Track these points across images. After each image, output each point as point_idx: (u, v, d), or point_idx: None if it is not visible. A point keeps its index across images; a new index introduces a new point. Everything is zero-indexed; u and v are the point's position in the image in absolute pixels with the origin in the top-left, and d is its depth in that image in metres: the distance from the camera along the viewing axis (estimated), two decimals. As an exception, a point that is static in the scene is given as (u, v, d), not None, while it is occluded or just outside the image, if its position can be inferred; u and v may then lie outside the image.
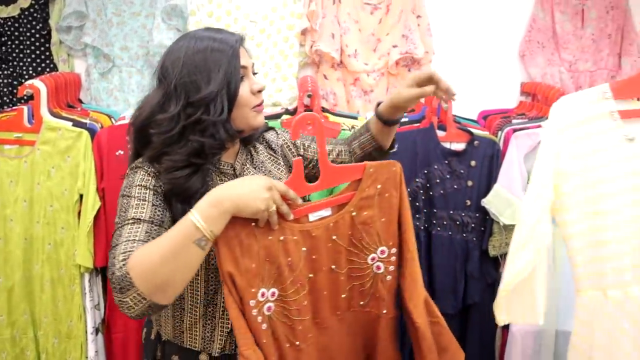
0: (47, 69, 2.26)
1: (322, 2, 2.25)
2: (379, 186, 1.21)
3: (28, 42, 2.24)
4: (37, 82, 1.89)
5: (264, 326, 1.13)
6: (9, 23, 2.23)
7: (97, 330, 1.99)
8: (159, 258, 0.94)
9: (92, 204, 1.88)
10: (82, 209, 1.90)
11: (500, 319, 1.34)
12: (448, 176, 1.99)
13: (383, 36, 2.27)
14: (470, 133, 2.00)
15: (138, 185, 1.09)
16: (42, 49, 2.26)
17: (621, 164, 1.18)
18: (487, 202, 1.96)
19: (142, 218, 1.05)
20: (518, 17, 2.38)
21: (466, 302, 2.03)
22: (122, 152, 1.90)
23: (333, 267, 1.21)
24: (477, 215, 2.01)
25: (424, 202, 2.00)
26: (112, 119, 2.12)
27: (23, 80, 2.21)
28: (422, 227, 2.01)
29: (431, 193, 1.99)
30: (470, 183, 1.99)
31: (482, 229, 2.02)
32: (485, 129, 2.18)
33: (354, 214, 1.20)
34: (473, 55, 2.39)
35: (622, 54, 2.40)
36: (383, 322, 1.28)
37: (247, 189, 1.00)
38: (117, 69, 2.29)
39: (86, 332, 1.95)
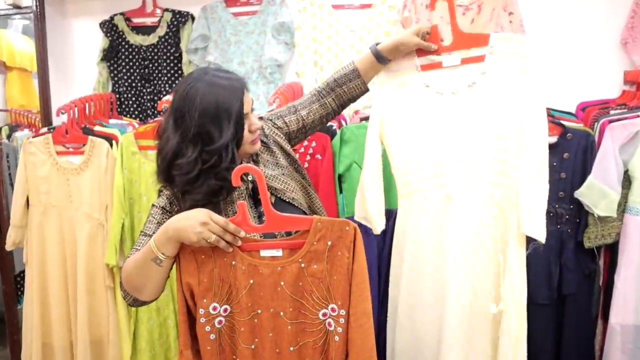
0: None
1: (415, 8, 2.37)
2: (329, 243, 1.23)
3: (164, 64, 2.62)
4: (171, 98, 2.25)
5: (212, 336, 1.28)
6: (150, 49, 2.64)
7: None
8: (133, 268, 1.27)
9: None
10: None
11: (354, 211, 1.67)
12: (540, 169, 2.02)
13: (476, 35, 2.34)
14: (563, 126, 2.01)
15: (155, 205, 1.38)
16: (176, 68, 2.63)
17: (421, 104, 1.56)
18: (581, 194, 1.96)
19: (147, 233, 1.33)
20: (617, 3, 2.31)
21: (561, 293, 2.04)
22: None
23: (280, 313, 1.26)
24: (572, 206, 2.01)
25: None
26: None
27: (162, 96, 2.61)
28: (515, 219, 2.06)
29: (523, 186, 2.04)
30: (563, 175, 2.00)
31: (577, 220, 2.01)
32: (582, 121, 2.16)
33: (302, 265, 1.23)
34: (571, 46, 2.35)
35: None
36: None
37: (184, 223, 1.19)
38: (236, 81, 2.61)
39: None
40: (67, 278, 2.33)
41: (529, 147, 1.43)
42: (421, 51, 1.55)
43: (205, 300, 1.27)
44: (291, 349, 1.27)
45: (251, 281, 1.25)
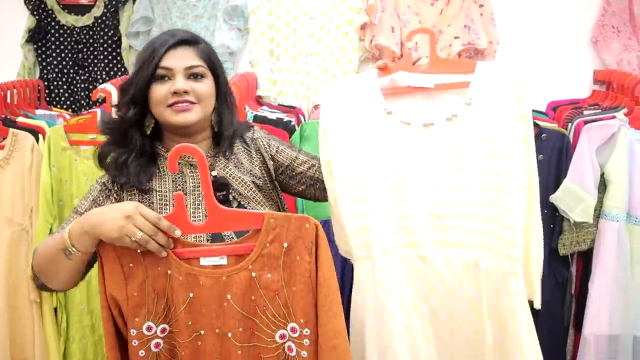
0: (119, 73, 2.41)
1: (381, -4, 2.23)
2: (285, 245, 1.02)
3: (101, 49, 2.40)
4: (108, 86, 2.00)
5: None
6: (84, 31, 2.41)
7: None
8: (42, 251, 1.12)
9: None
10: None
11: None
12: (513, 171, 1.92)
13: (444, 27, 2.22)
14: (538, 126, 1.91)
15: (97, 180, 1.26)
16: (114, 54, 2.41)
17: (381, 136, 1.21)
18: (556, 198, 1.88)
19: (79, 211, 1.20)
20: (588, 0, 2.27)
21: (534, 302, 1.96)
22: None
23: (228, 334, 1.05)
24: (545, 211, 1.92)
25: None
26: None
27: (97, 84, 2.36)
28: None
29: (495, 189, 1.93)
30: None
31: (552, 225, 1.93)
32: (555, 121, 2.08)
33: (253, 274, 1.03)
34: (541, 44, 2.30)
35: None
36: None
37: (105, 216, 1.01)
38: (183, 70, 2.39)
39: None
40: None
41: (534, 204, 1.18)
42: (386, 70, 1.24)
43: (137, 319, 1.05)
44: None
45: (190, 295, 1.04)
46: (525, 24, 2.29)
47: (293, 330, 1.04)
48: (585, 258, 1.98)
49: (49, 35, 2.42)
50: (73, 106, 2.44)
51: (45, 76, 2.43)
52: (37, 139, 1.98)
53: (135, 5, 2.36)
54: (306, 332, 1.03)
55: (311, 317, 1.03)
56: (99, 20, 2.39)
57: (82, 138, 2.00)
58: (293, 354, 1.04)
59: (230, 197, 1.25)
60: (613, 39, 2.23)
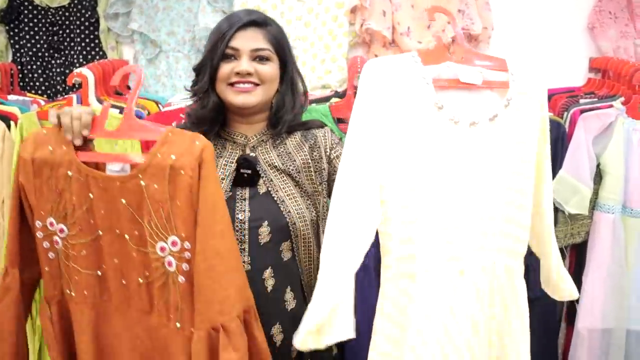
0: (97, 57, 2.32)
1: (373, -22, 2.16)
2: (172, 157, 1.05)
3: (78, 31, 2.31)
4: (84, 70, 1.91)
5: (51, 255, 1.16)
6: (60, 12, 2.31)
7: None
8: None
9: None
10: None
11: (306, 348, 1.09)
12: (507, 161, 1.87)
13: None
14: (533, 115, 1.86)
15: None
16: (92, 37, 2.32)
17: (431, 135, 1.07)
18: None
19: None
20: (586, -15, 2.23)
21: (527, 296, 1.92)
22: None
23: (126, 236, 1.11)
24: (540, 203, 1.88)
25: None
26: (160, 105, 2.12)
27: (74, 69, 2.25)
28: (479, 216, 1.90)
29: (489, 180, 1.88)
30: (532, 169, 1.86)
31: (545, 218, 1.89)
32: (550, 110, 2.03)
33: (142, 183, 1.07)
34: (536, 30, 2.26)
35: None
36: (178, 342, 1.09)
37: None
38: (164, 54, 2.32)
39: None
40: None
41: (548, 204, 1.22)
42: (428, 55, 1.10)
43: (42, 213, 1.14)
44: (140, 280, 1.12)
45: (90, 195, 1.11)
46: (521, 9, 2.25)
47: (174, 243, 1.06)
48: (579, 251, 1.94)
49: (22, 16, 2.32)
50: (48, 91, 2.35)
51: (18, 59, 2.34)
52: (9, 126, 1.88)
53: (113, -15, 2.26)
54: (187, 245, 1.05)
55: (192, 232, 1.05)
56: (76, 1, 2.29)
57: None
58: (173, 269, 1.07)
59: (261, 182, 1.28)
60: (610, 26, 2.19)
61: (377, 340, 1.15)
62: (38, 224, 1.15)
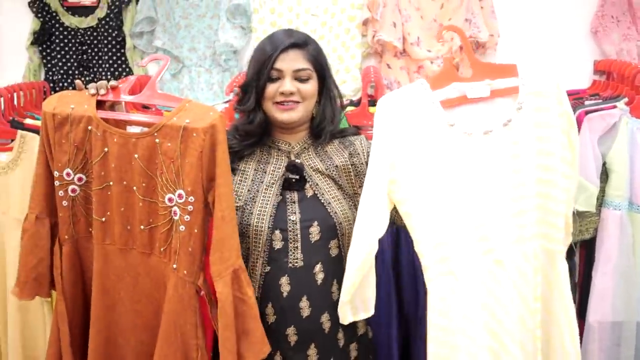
0: (124, 73, 2.42)
1: (383, -9, 2.25)
2: (187, 120, 1.20)
3: (105, 49, 2.41)
4: (115, 84, 2.03)
5: (65, 203, 1.31)
6: (89, 33, 2.42)
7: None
8: None
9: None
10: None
11: (347, 320, 1.37)
12: (516, 162, 1.95)
13: (445, 21, 2.25)
14: (539, 117, 1.94)
15: None
16: (118, 54, 2.42)
17: (447, 149, 1.25)
18: None
19: None
20: (588, -10, 2.30)
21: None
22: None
23: (134, 188, 1.26)
24: (549, 201, 1.95)
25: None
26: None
27: (102, 85, 2.38)
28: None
29: (499, 180, 1.96)
30: (540, 168, 1.94)
31: (555, 215, 1.96)
32: (556, 112, 2.11)
33: (157, 140, 1.22)
34: (541, 35, 2.32)
35: None
36: (172, 280, 1.24)
37: None
38: (186, 69, 2.41)
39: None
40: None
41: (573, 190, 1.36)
42: (436, 80, 1.28)
43: (60, 165, 1.29)
44: (142, 227, 1.27)
45: (105, 149, 1.25)
46: (526, 16, 2.31)
47: (180, 196, 1.21)
48: (588, 247, 1.99)
49: (54, 37, 2.42)
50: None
51: (50, 78, 2.44)
52: None
53: (138, 6, 2.36)
54: (191, 199, 1.20)
55: (196, 188, 1.20)
56: (103, 22, 2.40)
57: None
58: (177, 217, 1.22)
59: (307, 186, 1.39)
60: (613, 29, 2.25)
61: (431, 332, 1.29)
62: (56, 173, 1.30)
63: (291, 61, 1.35)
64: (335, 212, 1.37)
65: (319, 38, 2.32)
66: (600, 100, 2.03)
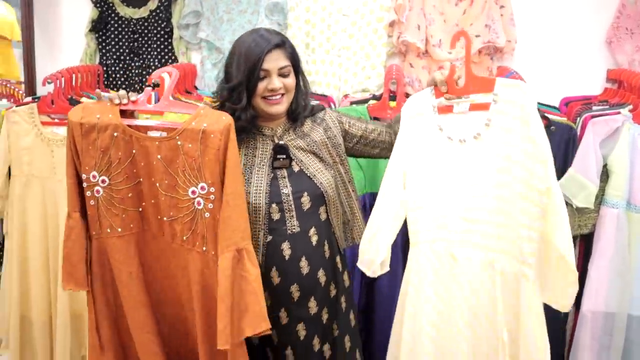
0: (170, 61, 2.61)
1: (409, -5, 2.40)
2: (204, 125, 1.38)
3: (155, 38, 2.60)
4: (162, 73, 2.23)
5: (92, 202, 1.47)
6: (140, 23, 2.61)
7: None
8: None
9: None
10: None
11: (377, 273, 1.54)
12: (523, 160, 2.07)
13: (467, 26, 2.38)
14: (547, 119, 2.07)
15: None
16: (166, 43, 2.60)
17: (434, 148, 1.45)
18: (561, 185, 1.97)
19: None
20: (605, 3, 2.37)
21: None
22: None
23: (157, 184, 1.43)
24: (552, 197, 2.07)
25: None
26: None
27: (150, 71, 2.58)
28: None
29: (506, 175, 2.09)
30: (545, 167, 2.06)
31: (556, 211, 2.08)
32: (565, 115, 2.23)
33: (179, 142, 1.39)
34: (557, 43, 2.41)
35: None
36: (203, 259, 1.40)
37: None
38: (226, 60, 2.61)
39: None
40: (48, 251, 2.29)
41: (558, 214, 1.28)
42: (439, 91, 1.45)
43: (87, 168, 1.44)
44: (165, 219, 1.45)
45: (134, 151, 1.43)
46: (544, 25, 2.41)
47: (202, 188, 1.39)
48: (587, 241, 2.10)
49: (109, 26, 2.61)
50: (127, 89, 2.58)
51: (104, 62, 2.64)
52: None
53: (186, 0, 2.55)
54: (212, 189, 1.39)
55: (216, 180, 1.38)
56: (154, 13, 2.58)
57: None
58: (201, 207, 1.40)
59: (293, 163, 1.58)
60: (626, 41, 2.34)
61: (401, 293, 1.54)
62: (83, 176, 1.45)
63: (275, 60, 1.51)
64: (321, 183, 1.57)
65: (348, 36, 2.49)
66: (607, 107, 2.14)
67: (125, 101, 1.47)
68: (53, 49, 2.74)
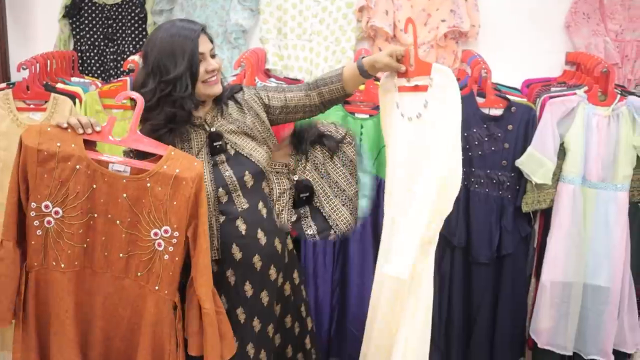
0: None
1: (377, -18, 2.47)
2: (177, 170, 1.37)
3: (129, 24, 2.62)
4: (137, 58, 2.27)
5: (39, 232, 1.37)
6: (114, 9, 2.63)
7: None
8: None
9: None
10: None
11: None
12: (486, 139, 2.16)
13: (433, 11, 2.46)
14: (508, 100, 2.16)
15: None
16: (140, 29, 2.63)
17: (393, 122, 1.63)
18: (521, 163, 2.12)
19: None
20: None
21: (500, 253, 2.20)
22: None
23: (117, 221, 1.39)
24: (512, 174, 2.17)
25: (463, 161, 2.18)
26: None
27: (125, 56, 2.61)
28: (462, 185, 2.20)
29: (470, 154, 2.17)
30: (506, 145, 2.16)
31: (517, 187, 2.18)
32: (527, 97, 2.33)
33: (148, 184, 1.36)
34: (519, 28, 2.50)
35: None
36: (154, 298, 1.41)
37: None
38: (200, 45, 2.64)
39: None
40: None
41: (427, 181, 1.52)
42: (401, 73, 1.61)
43: (39, 197, 1.35)
44: (120, 255, 1.41)
45: (94, 186, 1.37)
46: (506, 10, 2.50)
47: (166, 231, 1.39)
48: (547, 216, 2.21)
49: (83, 12, 2.63)
50: (103, 75, 2.67)
51: (78, 48, 2.66)
52: (75, 103, 2.23)
53: (159, -14, 2.57)
54: (175, 234, 1.39)
55: (181, 226, 1.38)
56: None
57: (114, 102, 2.26)
58: (161, 248, 1.40)
59: (228, 146, 1.62)
60: (583, 25, 2.44)
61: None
62: (33, 204, 1.35)
63: (205, 43, 1.56)
64: (258, 160, 1.63)
65: (319, 21, 2.55)
66: (565, 88, 2.24)
67: (89, 131, 1.40)
68: (27, 35, 2.74)
